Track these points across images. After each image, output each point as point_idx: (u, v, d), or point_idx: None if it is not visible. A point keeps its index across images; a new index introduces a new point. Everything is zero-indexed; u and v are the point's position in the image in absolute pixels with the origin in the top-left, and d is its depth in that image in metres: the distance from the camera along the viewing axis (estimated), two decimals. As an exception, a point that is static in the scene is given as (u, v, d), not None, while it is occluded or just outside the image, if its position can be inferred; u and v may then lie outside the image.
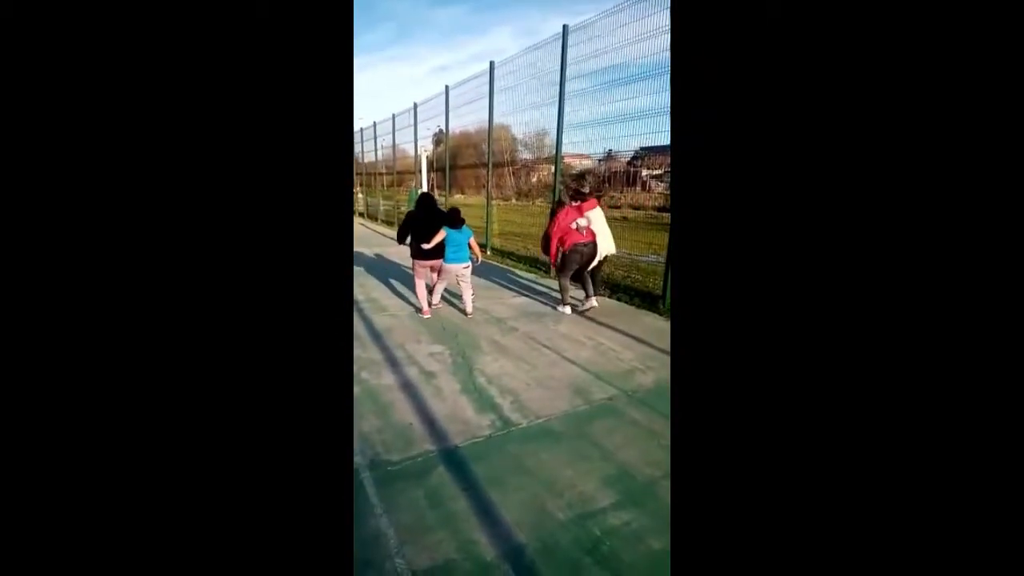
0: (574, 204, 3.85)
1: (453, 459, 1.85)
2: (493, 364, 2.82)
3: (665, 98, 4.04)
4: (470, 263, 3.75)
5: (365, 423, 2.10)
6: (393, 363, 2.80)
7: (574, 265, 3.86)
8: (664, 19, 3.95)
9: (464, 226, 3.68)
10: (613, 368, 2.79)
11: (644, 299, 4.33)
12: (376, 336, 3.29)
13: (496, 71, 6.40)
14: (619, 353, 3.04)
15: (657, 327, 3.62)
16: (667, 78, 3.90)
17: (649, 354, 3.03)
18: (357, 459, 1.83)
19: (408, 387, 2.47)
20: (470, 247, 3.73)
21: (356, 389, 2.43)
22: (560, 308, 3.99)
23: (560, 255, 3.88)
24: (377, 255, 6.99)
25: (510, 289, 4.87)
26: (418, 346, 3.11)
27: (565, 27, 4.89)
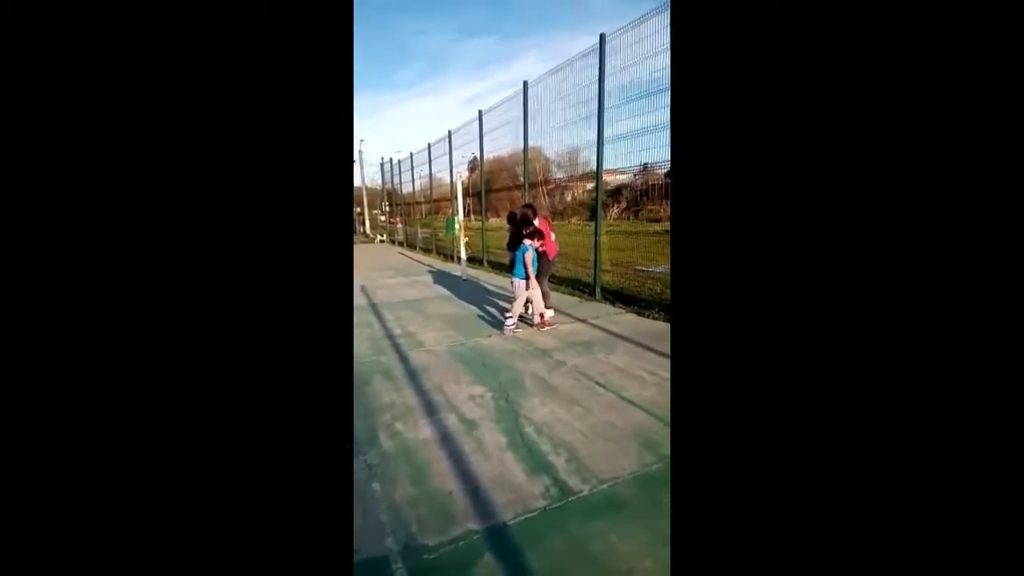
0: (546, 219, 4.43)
1: (502, 542, 1.51)
2: (542, 408, 2.47)
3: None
4: (519, 280, 4.01)
5: (398, 491, 1.80)
6: (430, 410, 2.51)
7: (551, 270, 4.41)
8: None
9: (523, 243, 3.98)
10: (684, 411, 2.37)
11: (706, 322, 3.86)
12: (411, 375, 3.02)
13: (529, 91, 6.22)
14: (688, 391, 2.61)
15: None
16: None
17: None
18: (388, 542, 1.52)
19: (447, 441, 2.16)
20: (524, 263, 3.97)
21: (389, 444, 2.15)
22: (548, 315, 4.12)
23: (541, 263, 4.18)
24: (414, 284, 6.85)
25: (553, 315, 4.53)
26: (457, 387, 2.81)
27: (602, 36, 4.63)
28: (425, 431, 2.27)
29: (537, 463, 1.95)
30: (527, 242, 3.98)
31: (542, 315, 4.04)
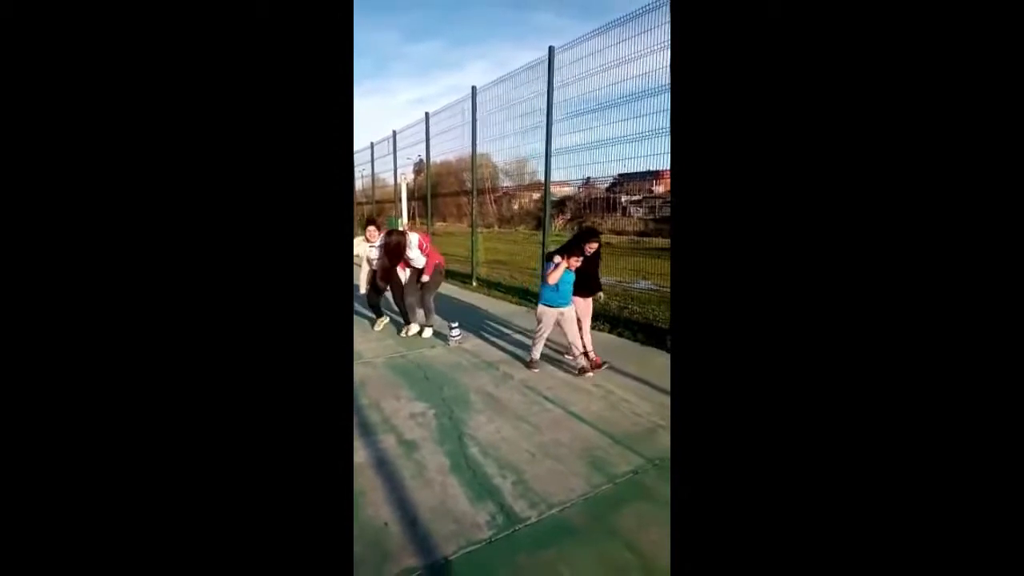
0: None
1: (443, 582, 1.37)
2: (488, 426, 2.35)
3: (640, 124, 4.19)
4: (560, 308, 3.03)
5: (325, 526, 1.60)
6: (366, 430, 2.30)
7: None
8: (637, 46, 4.03)
9: (550, 259, 3.01)
10: (630, 427, 2.35)
11: (648, 334, 3.94)
12: (347, 392, 2.79)
13: (478, 98, 6.15)
14: (634, 405, 2.61)
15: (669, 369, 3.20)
16: (643, 104, 4.09)
17: (667, 405, 2.60)
18: (310, 590, 1.33)
19: (383, 465, 1.98)
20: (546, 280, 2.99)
21: (317, 471, 1.93)
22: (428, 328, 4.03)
23: (433, 279, 4.03)
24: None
25: (500, 326, 4.43)
26: (397, 404, 2.62)
27: (551, 48, 4.65)
28: (359, 455, 2.07)
29: (482, 487, 1.83)
30: (557, 258, 2.94)
31: (586, 353, 3.08)
